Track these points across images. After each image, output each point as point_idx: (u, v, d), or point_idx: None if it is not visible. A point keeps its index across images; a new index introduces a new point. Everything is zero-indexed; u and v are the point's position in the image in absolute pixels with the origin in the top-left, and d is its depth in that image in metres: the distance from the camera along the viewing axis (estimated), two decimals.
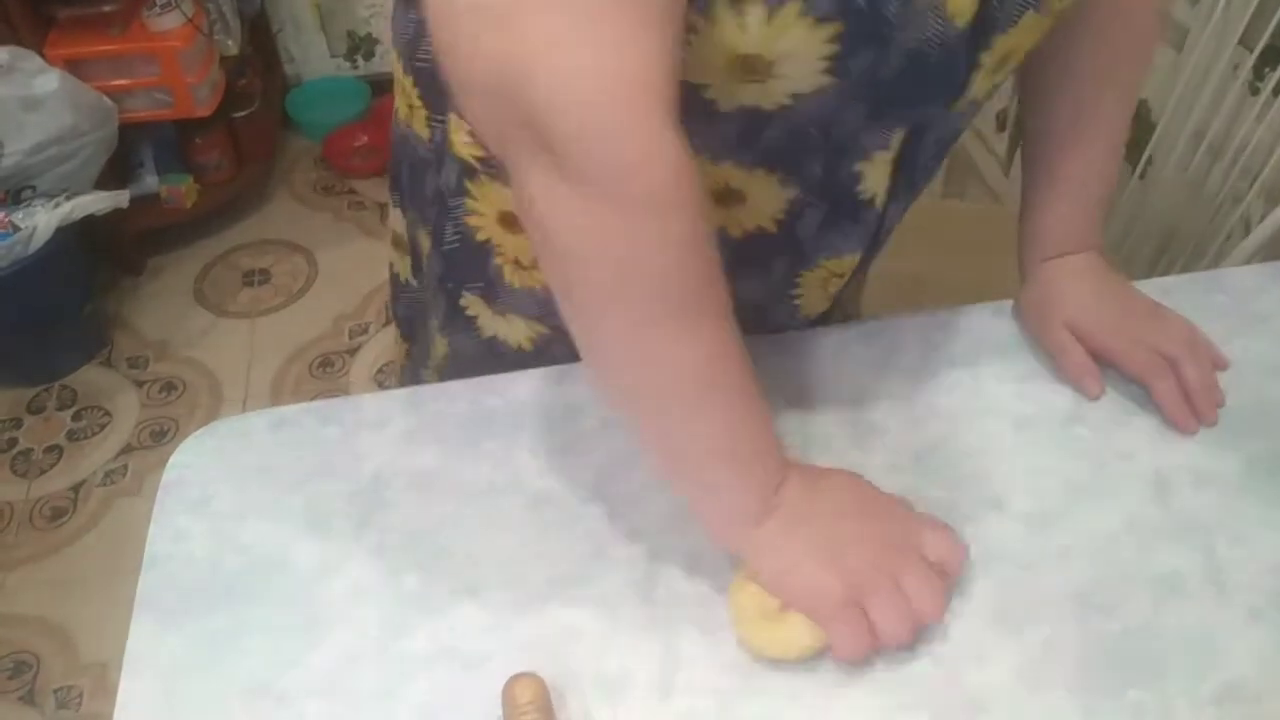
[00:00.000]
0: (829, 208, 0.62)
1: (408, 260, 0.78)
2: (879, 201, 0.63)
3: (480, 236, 0.68)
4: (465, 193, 0.66)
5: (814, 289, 0.69)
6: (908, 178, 0.63)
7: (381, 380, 1.94)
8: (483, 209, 0.67)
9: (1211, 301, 0.75)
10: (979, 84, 0.57)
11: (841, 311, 0.85)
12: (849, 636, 0.53)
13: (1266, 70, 1.14)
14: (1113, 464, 0.64)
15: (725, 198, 0.61)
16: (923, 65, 0.52)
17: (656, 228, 0.46)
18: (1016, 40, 0.55)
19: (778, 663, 0.54)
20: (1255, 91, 1.16)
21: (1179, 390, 0.66)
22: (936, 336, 0.73)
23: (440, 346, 0.77)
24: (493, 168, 0.64)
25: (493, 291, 0.71)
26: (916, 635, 0.54)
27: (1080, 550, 0.60)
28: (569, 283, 0.49)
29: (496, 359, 0.74)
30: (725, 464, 0.54)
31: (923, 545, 0.55)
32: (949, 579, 0.56)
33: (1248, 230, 1.18)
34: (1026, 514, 0.62)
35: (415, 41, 0.63)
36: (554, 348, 0.72)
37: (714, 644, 0.56)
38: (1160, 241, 1.31)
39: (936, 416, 0.67)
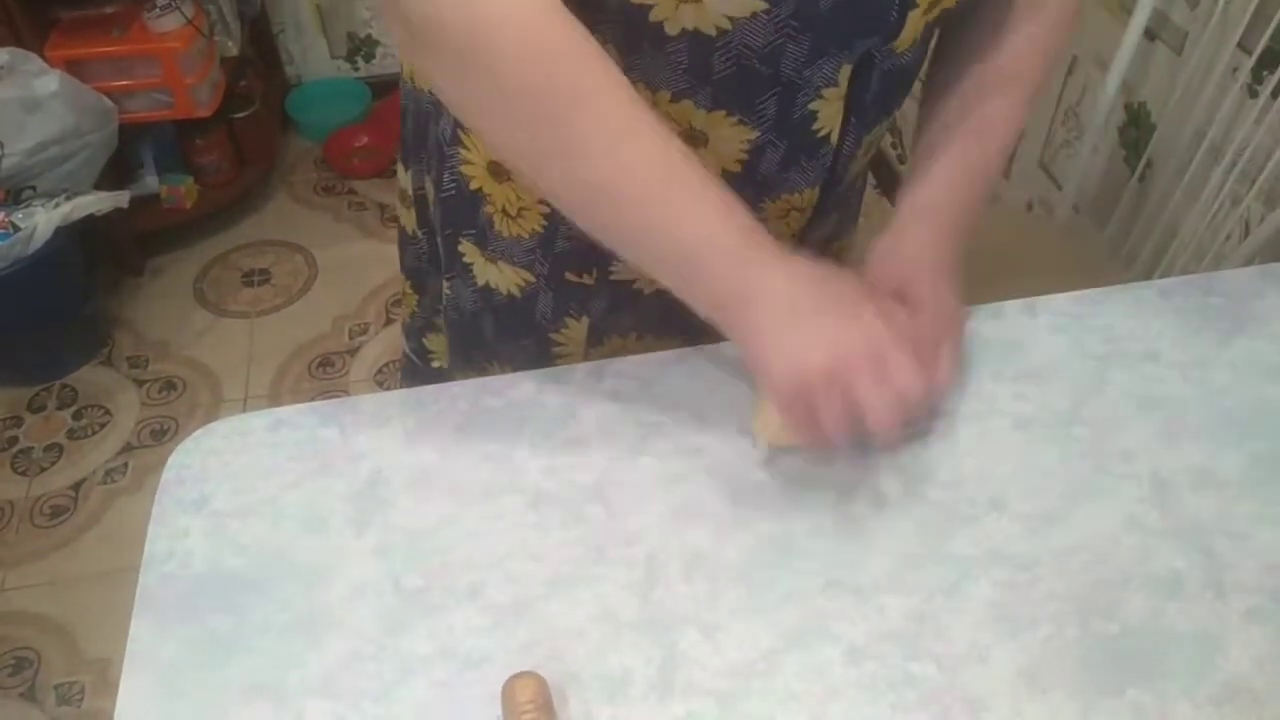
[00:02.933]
0: (787, 146, 0.65)
1: (413, 213, 0.83)
2: (834, 137, 0.65)
3: (473, 185, 0.73)
4: (459, 142, 0.71)
5: (776, 220, 0.71)
6: (859, 113, 0.65)
7: (381, 380, 1.94)
8: (474, 158, 0.71)
9: (1210, 303, 0.75)
10: (916, 23, 0.59)
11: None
12: (830, 415, 0.57)
13: (1265, 73, 1.14)
14: (1112, 464, 0.65)
15: (690, 139, 0.64)
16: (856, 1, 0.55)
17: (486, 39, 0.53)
18: None
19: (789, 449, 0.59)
20: (1254, 94, 1.17)
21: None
22: None
23: (446, 289, 0.81)
24: None
25: (484, 238, 0.75)
26: (901, 422, 0.57)
27: (1080, 551, 0.60)
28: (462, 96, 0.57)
29: (491, 310, 0.78)
30: (681, 260, 0.58)
31: (888, 364, 0.57)
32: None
33: (1247, 232, 1.18)
34: (1026, 514, 0.62)
35: None
36: (540, 297, 0.76)
37: (714, 644, 0.56)
38: (1159, 243, 1.31)
39: (936, 416, 0.67)
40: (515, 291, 0.77)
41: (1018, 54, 0.69)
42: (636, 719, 0.53)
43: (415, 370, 0.92)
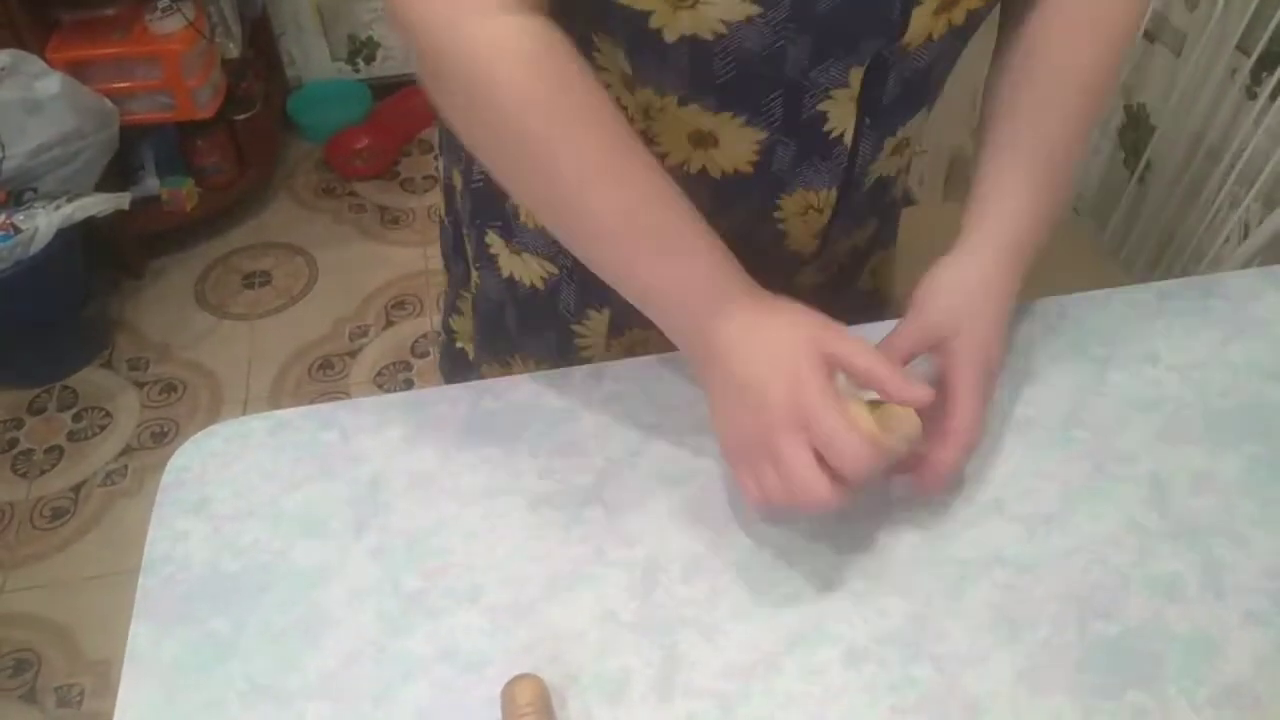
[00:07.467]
0: (798, 145, 0.64)
1: (443, 200, 0.85)
2: (847, 138, 0.64)
3: None
4: None
5: (795, 218, 0.70)
6: (875, 116, 0.64)
7: (382, 383, 1.94)
8: None
9: (1210, 305, 0.75)
10: (925, 22, 0.58)
11: (873, 281, 0.87)
12: (767, 485, 0.55)
13: (1264, 75, 1.14)
14: (1111, 467, 0.65)
15: (701, 141, 0.65)
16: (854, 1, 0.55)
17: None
18: None
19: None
20: (1253, 96, 1.17)
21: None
22: None
23: (475, 278, 0.83)
24: None
25: (509, 230, 0.76)
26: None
27: (1079, 553, 0.60)
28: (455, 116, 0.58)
29: (515, 303, 0.80)
30: (647, 306, 0.59)
31: (822, 443, 0.53)
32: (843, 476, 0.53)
33: (1246, 234, 1.18)
34: (1026, 516, 0.62)
35: None
36: (563, 289, 0.77)
37: (714, 646, 0.56)
38: (1159, 245, 1.31)
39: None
40: (538, 284, 0.78)
41: (1081, 68, 0.65)
42: None
43: (447, 349, 0.94)
